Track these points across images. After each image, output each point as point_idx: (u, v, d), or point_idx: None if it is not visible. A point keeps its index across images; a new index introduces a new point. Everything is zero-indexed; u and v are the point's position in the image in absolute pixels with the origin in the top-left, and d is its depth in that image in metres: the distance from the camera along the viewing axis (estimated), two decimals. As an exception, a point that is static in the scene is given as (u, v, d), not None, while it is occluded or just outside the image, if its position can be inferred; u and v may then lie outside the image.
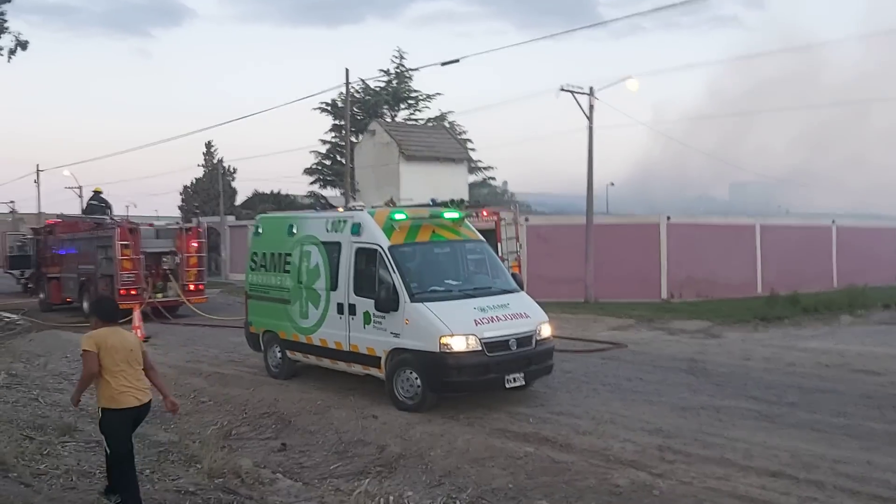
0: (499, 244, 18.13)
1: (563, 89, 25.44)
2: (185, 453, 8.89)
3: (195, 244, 23.09)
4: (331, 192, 44.97)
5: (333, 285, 11.64)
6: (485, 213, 18.38)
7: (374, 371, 11.06)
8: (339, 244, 11.67)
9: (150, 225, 23.71)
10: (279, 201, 43.71)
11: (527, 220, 26.71)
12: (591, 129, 25.95)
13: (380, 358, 10.80)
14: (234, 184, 53.12)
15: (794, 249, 29.63)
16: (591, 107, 25.76)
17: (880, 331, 18.82)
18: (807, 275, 29.14)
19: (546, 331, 11.06)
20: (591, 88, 25.82)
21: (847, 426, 9.36)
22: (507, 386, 10.40)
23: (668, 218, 27.39)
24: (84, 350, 6.53)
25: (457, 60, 24.29)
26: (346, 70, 30.23)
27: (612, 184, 50.17)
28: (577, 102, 25.82)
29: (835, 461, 7.92)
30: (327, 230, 12.01)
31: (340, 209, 14.43)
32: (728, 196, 66.25)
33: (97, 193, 26.02)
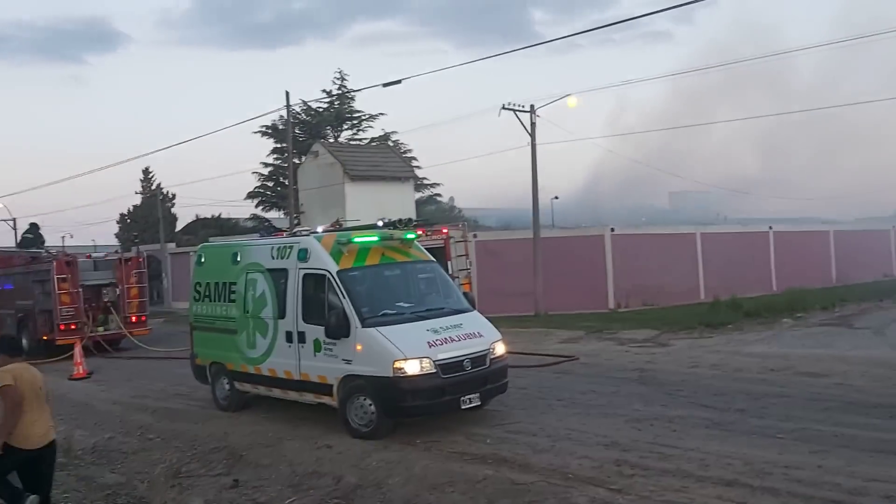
0: (448, 262, 18.09)
1: (504, 108, 25.71)
2: (133, 495, 8.60)
3: (135, 274, 22.52)
4: (275, 215, 44.46)
5: (281, 313, 11.42)
6: (444, 231, 18.34)
7: (326, 399, 10.86)
8: (285, 271, 11.47)
9: (88, 256, 23.09)
10: (221, 226, 43.07)
11: (475, 236, 26.80)
12: (533, 145, 26.25)
13: (332, 386, 10.61)
14: (173, 210, 52.22)
15: (734, 255, 30.38)
16: (533, 124, 26.08)
17: (820, 332, 19.32)
18: (747, 280, 29.89)
19: (500, 349, 11.03)
20: (531, 106, 26.16)
21: (796, 430, 9.53)
22: (464, 407, 10.32)
23: (612, 229, 27.83)
24: (4, 385, 6.26)
25: (398, 81, 24.21)
26: (287, 92, 29.99)
27: (557, 197, 50.75)
28: (519, 120, 26.12)
29: (787, 467, 8.04)
30: (273, 257, 11.80)
31: (284, 233, 14.24)
32: (668, 204, 67.53)
33: (33, 226, 25.23)
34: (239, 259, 12.51)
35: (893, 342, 17.10)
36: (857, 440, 8.94)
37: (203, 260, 13.55)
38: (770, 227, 34.15)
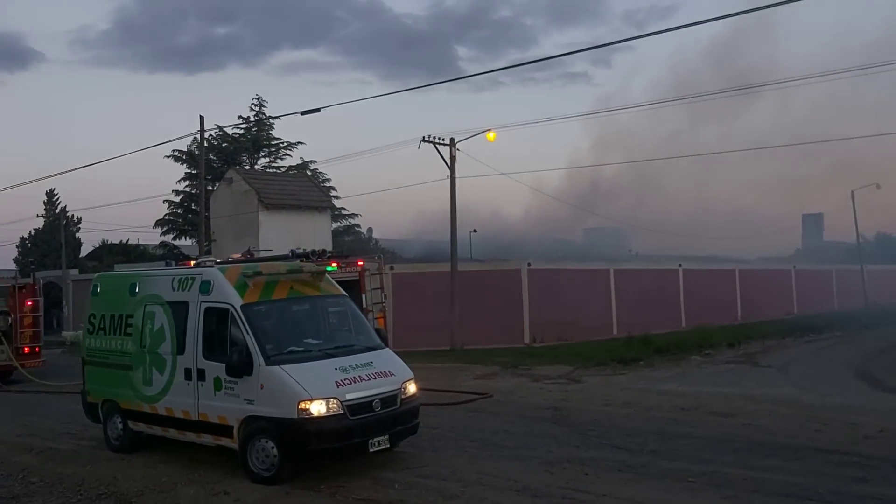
0: (363, 295, 17.66)
1: (425, 140, 25.62)
2: (3, 551, 7.76)
3: (30, 303, 21.18)
4: (185, 243, 42.96)
5: (180, 349, 10.76)
6: (360, 263, 17.88)
7: (226, 441, 10.23)
8: (186, 304, 10.84)
9: (-22, 283, 21.56)
10: (128, 252, 41.33)
11: (391, 268, 26.43)
12: (453, 178, 26.21)
13: (232, 427, 10.00)
14: (78, 235, 49.92)
15: (645, 292, 31.03)
16: (453, 157, 26.06)
17: (728, 370, 19.75)
18: (658, 316, 30.54)
19: (411, 388, 10.66)
20: (451, 139, 26.15)
21: (707, 474, 9.48)
22: (372, 450, 9.87)
23: (529, 264, 27.97)
24: None
25: (318, 110, 23.78)
26: (201, 117, 29.26)
27: (475, 231, 50.89)
28: (439, 153, 26.08)
29: (698, 513, 7.93)
30: (173, 289, 11.15)
31: (192, 263, 13.56)
32: (582, 240, 68.82)
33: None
34: (137, 290, 11.79)
35: (796, 380, 17.58)
36: (767, 484, 8.93)
37: (99, 290, 12.74)
38: (680, 265, 35.07)
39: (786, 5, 11.48)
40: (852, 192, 49.04)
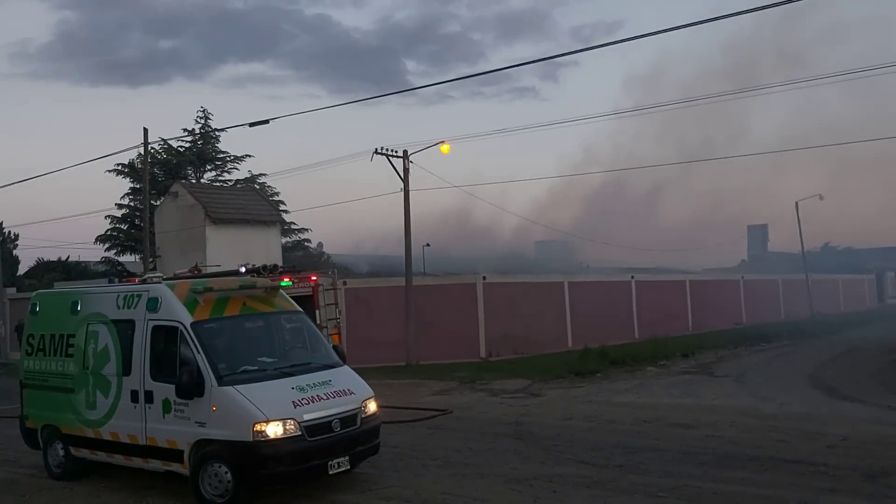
0: (317, 311, 17.21)
1: (377, 152, 25.30)
2: None
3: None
4: (129, 259, 41.69)
5: (126, 370, 10.18)
6: (313, 279, 17.42)
7: (175, 467, 9.67)
8: (132, 322, 10.27)
9: None
10: (69, 270, 39.90)
11: (345, 283, 25.94)
12: (406, 191, 25.92)
13: (182, 451, 9.45)
14: (16, 252, 48.08)
15: (599, 304, 31.10)
16: (406, 169, 25.77)
17: (684, 381, 19.75)
18: (611, 327, 30.63)
19: (372, 407, 10.26)
20: (405, 152, 25.87)
21: (676, 488, 9.29)
22: (331, 472, 9.43)
23: (484, 277, 27.77)
24: None
25: (266, 121, 23.28)
26: (145, 129, 28.37)
27: (428, 244, 50.54)
28: (392, 165, 25.79)
29: (673, 530, 7.71)
30: (118, 306, 10.56)
31: (136, 280, 12.96)
32: (534, 253, 69.09)
33: None
34: (79, 308, 11.16)
35: (753, 390, 17.64)
36: (738, 497, 8.78)
37: (38, 309, 12.04)
38: (632, 277, 35.30)
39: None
40: (796, 203, 50.24)
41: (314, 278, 17.46)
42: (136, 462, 10.27)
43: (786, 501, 8.54)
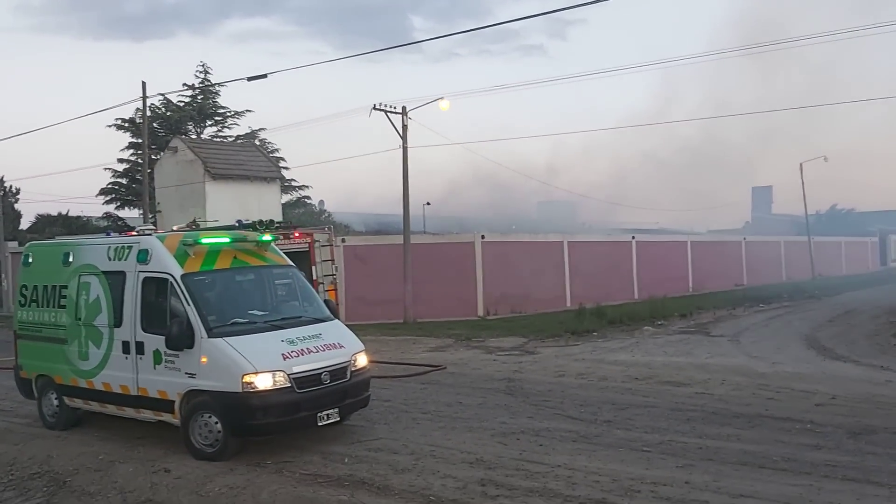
0: (313, 267, 17.24)
1: (376, 108, 25.09)
2: (-80, 537, 7.24)
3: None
4: (129, 214, 41.69)
5: (117, 321, 10.23)
6: (297, 235, 17.42)
7: (166, 417, 9.78)
8: (123, 274, 10.29)
9: None
10: (69, 224, 39.92)
11: (343, 240, 25.96)
12: (405, 148, 25.74)
13: (173, 402, 9.54)
14: (17, 206, 48.11)
15: (599, 264, 31.09)
16: (405, 126, 25.57)
17: (680, 340, 19.82)
18: (611, 288, 30.66)
19: (362, 361, 10.31)
20: (403, 108, 25.64)
21: (662, 443, 9.36)
22: (321, 424, 9.53)
23: (483, 236, 27.73)
24: None
25: (265, 75, 23.10)
26: (143, 83, 28.19)
27: (428, 203, 50.44)
28: (391, 122, 25.59)
29: (654, 483, 7.78)
30: (109, 258, 10.57)
31: (134, 233, 12.95)
32: (536, 213, 68.95)
33: None
34: (71, 260, 11.17)
35: (748, 350, 17.70)
36: (722, 452, 8.84)
37: (31, 260, 12.06)
38: (633, 237, 35.24)
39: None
40: (801, 165, 49.88)
41: (309, 234, 17.43)
42: (128, 412, 10.38)
43: (769, 456, 8.59)
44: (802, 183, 49.63)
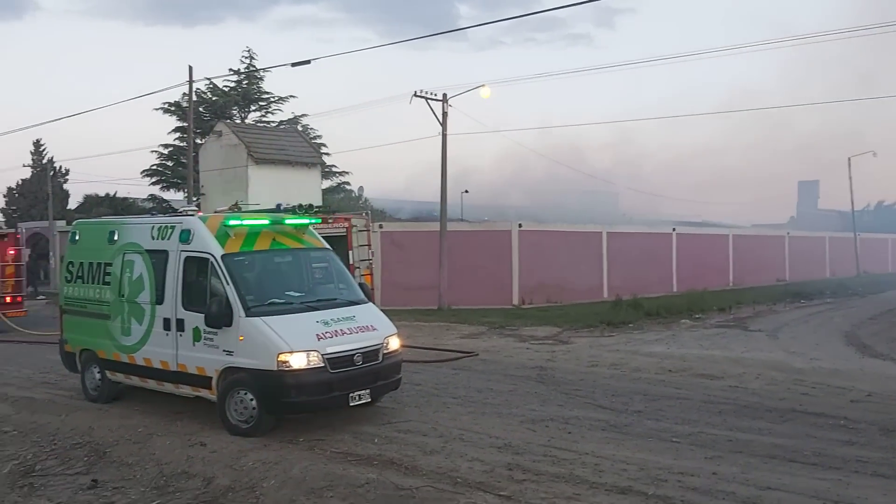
0: (350, 252, 17.46)
1: (416, 95, 25.16)
2: (-31, 498, 7.58)
3: (12, 252, 20.85)
4: (174, 196, 42.49)
5: (159, 298, 10.51)
6: (335, 220, 17.65)
7: (204, 392, 10.05)
8: (165, 253, 10.56)
9: (-41, 230, 21.17)
10: (116, 205, 40.84)
11: (380, 226, 26.18)
12: (444, 135, 25.80)
13: (211, 378, 9.80)
14: (66, 186, 49.36)
15: (638, 255, 30.83)
16: (445, 113, 25.61)
17: (717, 334, 19.63)
18: (649, 280, 30.41)
19: (394, 344, 10.46)
20: (444, 95, 25.67)
21: (692, 434, 9.35)
22: (352, 404, 9.71)
23: (520, 225, 27.71)
24: None
25: (308, 62, 23.35)
26: (190, 67, 28.66)
27: (467, 191, 50.48)
28: (431, 109, 25.64)
29: (682, 473, 7.79)
30: (153, 237, 10.85)
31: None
32: (577, 203, 68.54)
33: None
34: (116, 238, 11.49)
35: (786, 345, 17.48)
36: (752, 445, 8.81)
37: (77, 238, 12.44)
38: (673, 229, 34.87)
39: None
40: (849, 160, 48.77)
41: (347, 219, 17.64)
42: (168, 387, 10.68)
43: (799, 451, 8.54)
44: (850, 178, 48.56)
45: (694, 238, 35.88)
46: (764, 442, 8.97)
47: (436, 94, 25.51)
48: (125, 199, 43.37)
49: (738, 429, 9.64)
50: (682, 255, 33.95)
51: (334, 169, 43.94)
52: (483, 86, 25.80)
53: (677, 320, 22.56)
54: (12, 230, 23.31)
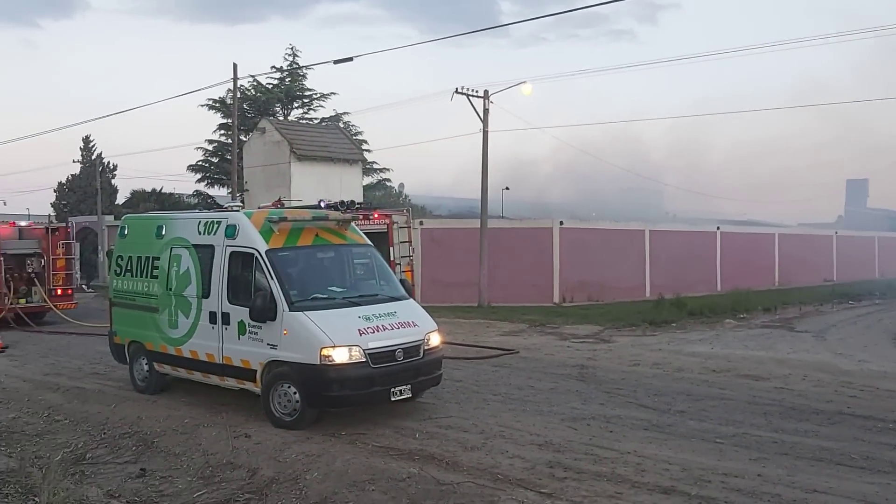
0: (391, 248, 17.55)
1: (458, 92, 25.17)
2: (24, 484, 7.83)
3: (63, 245, 21.41)
4: (218, 192, 43.16)
5: (205, 292, 10.71)
6: (376, 216, 17.77)
7: (249, 385, 10.22)
8: (212, 247, 10.76)
9: (12, 224, 21.78)
10: (162, 200, 41.60)
11: (421, 223, 26.26)
12: (485, 132, 25.76)
13: (255, 371, 9.97)
14: (114, 181, 50.43)
15: (681, 254, 30.45)
16: (486, 110, 25.58)
17: (762, 334, 19.30)
18: (693, 279, 30.02)
19: (435, 340, 10.51)
20: (485, 92, 25.64)
21: (736, 435, 9.23)
22: (394, 399, 9.78)
23: (561, 222, 27.57)
24: None
25: (350, 59, 23.43)
26: (234, 65, 29.08)
27: (507, 188, 50.30)
28: (472, 105, 25.62)
29: (726, 474, 7.69)
30: (199, 232, 11.06)
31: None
32: (620, 201, 67.89)
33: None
34: (164, 233, 11.74)
35: (833, 346, 17.12)
36: (798, 448, 8.66)
37: (126, 232, 12.72)
38: (718, 228, 34.38)
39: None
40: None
41: (388, 216, 17.74)
42: (213, 379, 10.88)
43: (847, 454, 8.38)
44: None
45: (739, 237, 35.33)
46: (810, 444, 8.82)
47: (477, 91, 25.50)
48: (171, 194, 44.13)
49: (783, 431, 9.48)
50: (727, 254, 33.45)
51: (375, 165, 44.20)
52: (525, 82, 25.75)
53: (721, 320, 22.23)
54: (63, 224, 23.90)
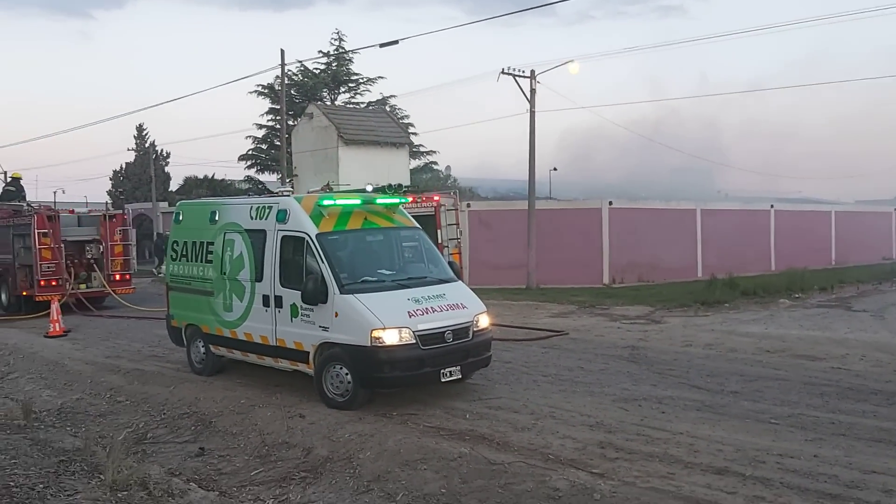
0: (438, 231, 17.58)
1: (504, 72, 25.02)
2: (89, 462, 8.12)
3: (120, 231, 21.99)
4: (268, 178, 43.76)
5: (258, 276, 10.92)
6: (424, 199, 17.81)
7: (302, 367, 10.41)
8: (263, 232, 10.94)
9: (71, 212, 22.45)
10: (214, 187, 42.38)
11: (468, 205, 26.26)
12: (532, 112, 25.59)
13: (308, 353, 10.15)
14: (167, 168, 51.54)
15: (733, 233, 29.88)
16: (533, 90, 25.40)
17: (818, 314, 18.89)
18: (746, 258, 29.44)
19: (484, 321, 10.55)
20: (532, 71, 25.45)
21: (792, 416, 9.09)
22: (443, 380, 9.87)
23: (611, 203, 27.28)
24: None
25: (396, 42, 23.52)
26: (282, 51, 29.40)
27: (555, 168, 49.98)
28: (519, 86, 25.46)
29: (781, 455, 7.60)
30: (251, 217, 11.26)
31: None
32: (670, 180, 66.81)
33: (15, 179, 24.56)
34: (217, 218, 11.97)
35: (892, 326, 16.67)
36: (855, 428, 8.51)
37: (181, 218, 13.02)
38: (772, 206, 33.60)
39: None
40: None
41: (437, 198, 17.77)
42: (267, 361, 11.11)
43: (907, 436, 8.20)
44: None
45: (793, 215, 34.46)
46: (868, 425, 8.65)
47: (524, 71, 25.32)
48: (222, 180, 44.93)
49: (840, 411, 9.31)
50: (781, 232, 32.70)
51: (422, 148, 44.26)
52: (572, 61, 25.45)
53: (775, 300, 21.79)
54: (119, 211, 24.53)
